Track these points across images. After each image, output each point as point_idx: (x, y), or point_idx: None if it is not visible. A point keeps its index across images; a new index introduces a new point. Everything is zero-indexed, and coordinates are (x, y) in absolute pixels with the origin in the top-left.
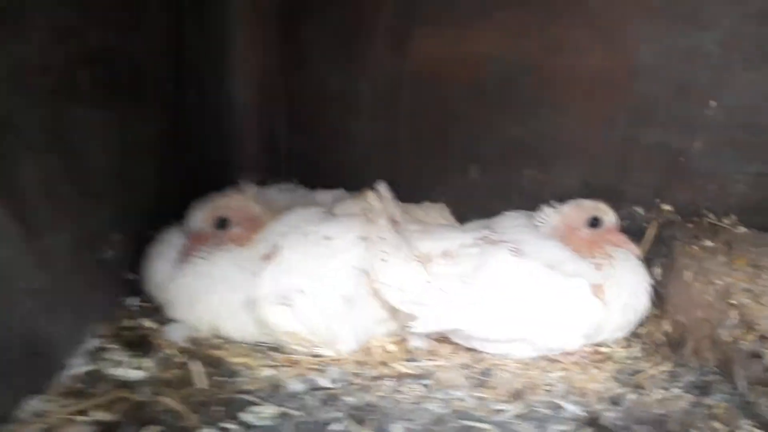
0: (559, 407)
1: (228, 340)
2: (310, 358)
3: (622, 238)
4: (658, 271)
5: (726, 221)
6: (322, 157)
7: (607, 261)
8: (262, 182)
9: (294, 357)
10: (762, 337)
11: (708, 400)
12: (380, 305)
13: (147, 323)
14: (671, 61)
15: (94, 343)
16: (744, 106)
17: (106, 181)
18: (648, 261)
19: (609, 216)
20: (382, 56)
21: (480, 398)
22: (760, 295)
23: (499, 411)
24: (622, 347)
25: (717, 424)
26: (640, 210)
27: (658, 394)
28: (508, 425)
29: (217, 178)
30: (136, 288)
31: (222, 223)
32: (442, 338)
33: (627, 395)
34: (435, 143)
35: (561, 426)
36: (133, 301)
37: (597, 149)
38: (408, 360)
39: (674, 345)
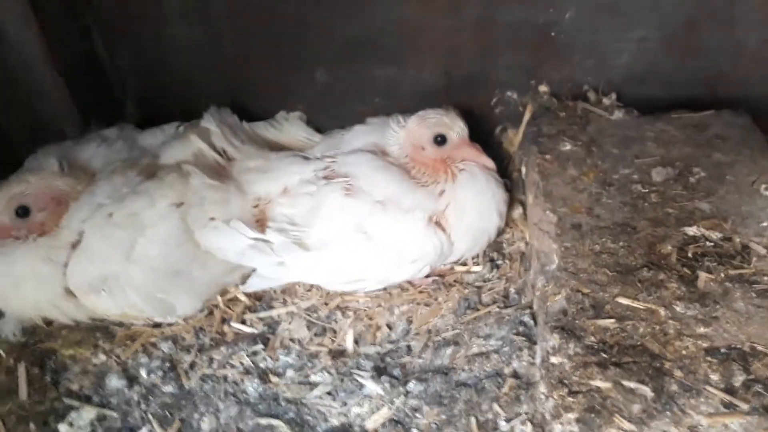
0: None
1: (64, 325)
2: (150, 329)
3: (473, 152)
4: (524, 170)
5: (605, 101)
6: (153, 75)
7: (451, 185)
8: (85, 126)
9: (134, 330)
10: (561, 300)
11: (507, 368)
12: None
13: None
14: None
15: None
16: None
17: None
18: (521, 154)
19: (455, 130)
20: None
21: (303, 364)
22: (585, 235)
23: (312, 386)
24: (476, 264)
25: (497, 409)
26: (513, 95)
27: (474, 346)
28: (305, 408)
29: (38, 135)
30: None
31: (22, 212)
32: None
33: (447, 350)
34: (266, 48)
35: (359, 408)
36: None
37: (451, 37)
38: (255, 311)
39: (526, 263)
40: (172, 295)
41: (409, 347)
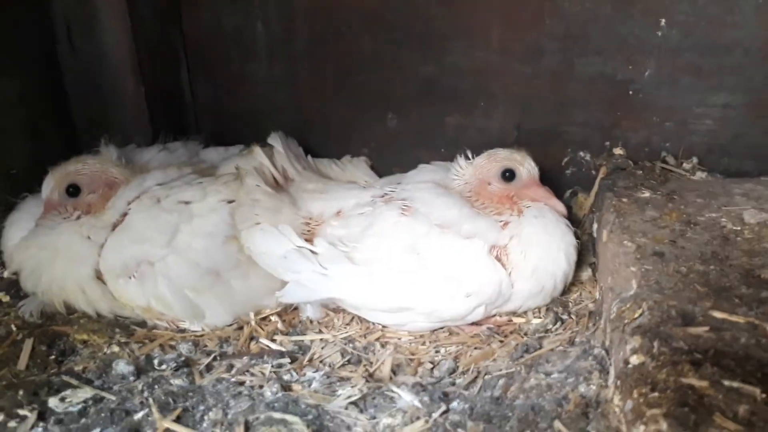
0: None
1: (85, 315)
2: (172, 333)
3: (542, 192)
4: (596, 227)
5: (686, 165)
6: (228, 105)
7: (516, 218)
8: (154, 140)
9: (155, 332)
10: (642, 315)
11: (572, 393)
12: (266, 275)
13: (2, 297)
14: None
15: None
16: (701, 22)
17: None
18: (592, 216)
19: (525, 167)
20: None
21: (331, 382)
22: (669, 260)
23: (336, 396)
24: (538, 317)
25: (559, 426)
26: (586, 156)
27: (532, 379)
28: (327, 415)
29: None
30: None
31: (73, 190)
32: (339, 309)
33: (499, 381)
34: (341, 87)
35: (390, 419)
36: (5, 273)
37: (525, 86)
38: (287, 334)
39: (596, 317)
40: (204, 298)
41: (453, 383)
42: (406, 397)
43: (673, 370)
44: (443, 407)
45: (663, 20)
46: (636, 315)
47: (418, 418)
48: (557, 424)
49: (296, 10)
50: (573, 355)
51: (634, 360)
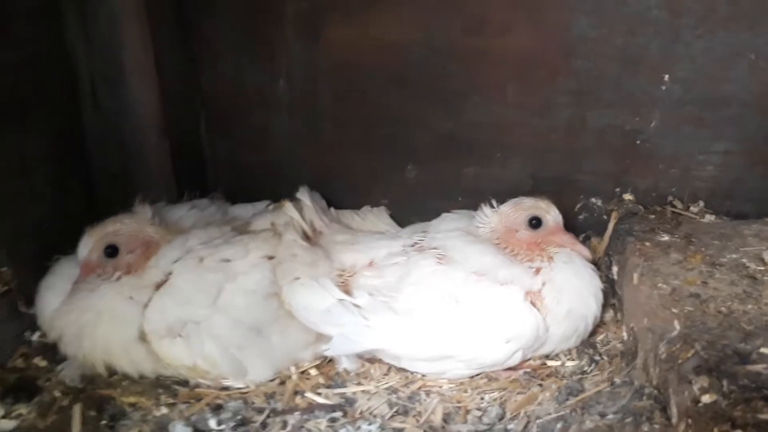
0: None
1: (126, 377)
2: (216, 391)
3: (568, 239)
4: (615, 269)
5: (693, 209)
6: (247, 160)
7: (547, 264)
8: (179, 196)
9: (198, 391)
10: (696, 355)
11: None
12: (303, 328)
13: (39, 362)
14: (613, 33)
15: None
16: (701, 77)
17: None
18: (608, 258)
19: (551, 215)
20: (295, 46)
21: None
22: (707, 301)
23: None
24: (571, 360)
25: None
26: (598, 202)
27: (588, 421)
28: None
29: (126, 195)
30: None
31: (111, 251)
32: (374, 359)
33: (557, 425)
34: (363, 141)
35: None
36: (34, 337)
37: (540, 138)
38: (329, 387)
39: (628, 356)
40: (247, 355)
41: (506, 429)
42: None
43: (747, 407)
44: None
45: (666, 76)
46: (689, 354)
47: None
48: None
49: (320, 68)
50: (625, 396)
51: (706, 399)
